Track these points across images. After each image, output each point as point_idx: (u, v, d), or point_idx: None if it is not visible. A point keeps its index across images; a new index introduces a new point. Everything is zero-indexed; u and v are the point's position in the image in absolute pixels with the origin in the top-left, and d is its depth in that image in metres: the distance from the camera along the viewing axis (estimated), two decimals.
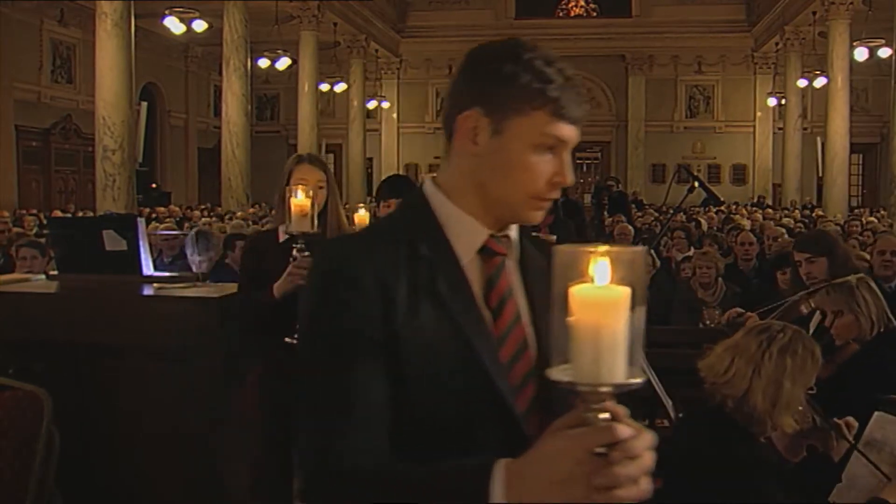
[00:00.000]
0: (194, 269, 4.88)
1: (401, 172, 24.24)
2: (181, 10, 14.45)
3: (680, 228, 7.65)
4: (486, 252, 1.19)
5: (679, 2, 22.72)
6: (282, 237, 2.80)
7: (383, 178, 4.73)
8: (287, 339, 2.56)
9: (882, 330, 2.95)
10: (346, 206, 3.59)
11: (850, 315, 2.95)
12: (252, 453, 2.93)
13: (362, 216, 3.18)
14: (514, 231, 1.23)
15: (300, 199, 2.57)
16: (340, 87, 20.43)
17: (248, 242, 3.12)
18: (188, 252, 5.07)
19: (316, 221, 2.61)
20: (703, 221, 10.05)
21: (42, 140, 16.66)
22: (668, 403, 2.88)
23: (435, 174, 1.25)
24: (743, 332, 2.30)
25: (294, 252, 2.62)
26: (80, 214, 12.51)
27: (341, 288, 1.10)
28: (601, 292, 0.91)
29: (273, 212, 3.38)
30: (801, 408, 2.22)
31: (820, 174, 18.05)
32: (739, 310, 3.98)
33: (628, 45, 23.06)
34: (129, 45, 10.84)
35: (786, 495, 2.15)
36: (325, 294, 1.11)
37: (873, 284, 3.08)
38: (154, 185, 19.85)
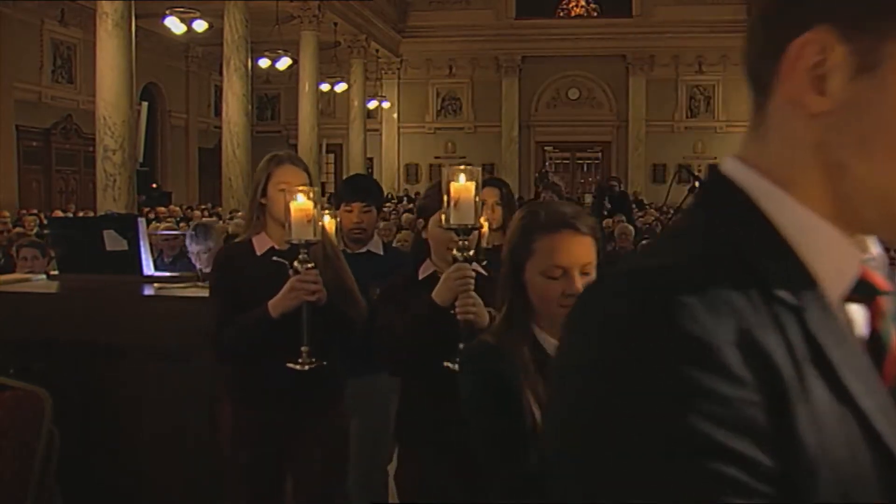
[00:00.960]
0: (193, 261, 4.90)
1: (404, 171, 24.33)
2: (182, 10, 14.45)
3: None
4: (863, 290, 0.67)
5: (680, 2, 22.71)
6: (259, 249, 2.52)
7: (345, 177, 4.49)
8: (290, 364, 2.31)
9: None
10: None
11: None
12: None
13: (328, 224, 2.70)
14: (875, 246, 0.71)
15: (303, 203, 2.27)
16: (341, 87, 20.43)
17: (219, 258, 2.66)
18: (188, 245, 5.06)
19: (319, 228, 2.32)
20: None
21: (43, 140, 16.65)
22: None
23: (740, 155, 0.71)
24: None
25: (296, 264, 2.31)
26: (81, 214, 12.51)
27: (695, 371, 0.56)
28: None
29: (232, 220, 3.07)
30: None
31: None
32: None
33: (629, 45, 23.06)
34: (130, 45, 10.83)
35: None
36: (659, 381, 0.56)
37: None
38: (154, 185, 19.85)
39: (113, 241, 3.05)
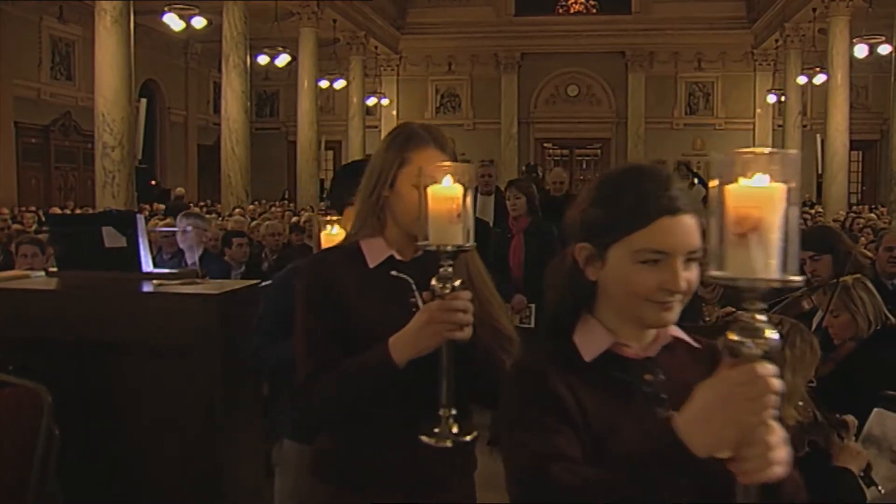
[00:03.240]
0: (178, 240, 4.96)
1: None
2: (181, 6, 14.44)
3: None
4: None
5: None
6: (373, 259, 1.73)
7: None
8: (424, 439, 1.51)
9: (879, 327, 2.98)
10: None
11: (847, 315, 2.97)
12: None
13: (334, 236, 2.19)
14: None
15: (449, 190, 1.48)
16: (340, 84, 20.42)
17: (313, 268, 1.78)
18: (178, 221, 5.13)
19: (471, 229, 1.52)
20: None
21: (42, 137, 16.65)
22: None
23: None
24: None
25: (433, 282, 1.52)
26: (80, 211, 12.51)
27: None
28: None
29: (310, 217, 2.28)
30: (801, 401, 2.24)
31: (820, 171, 18.04)
32: (730, 309, 3.94)
33: (628, 41, 23.05)
34: (129, 42, 10.82)
35: None
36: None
37: (869, 284, 3.10)
38: (154, 182, 19.84)
39: (112, 237, 3.04)
